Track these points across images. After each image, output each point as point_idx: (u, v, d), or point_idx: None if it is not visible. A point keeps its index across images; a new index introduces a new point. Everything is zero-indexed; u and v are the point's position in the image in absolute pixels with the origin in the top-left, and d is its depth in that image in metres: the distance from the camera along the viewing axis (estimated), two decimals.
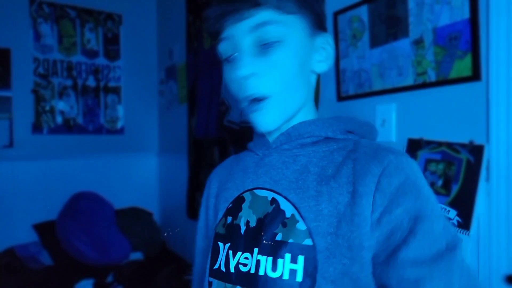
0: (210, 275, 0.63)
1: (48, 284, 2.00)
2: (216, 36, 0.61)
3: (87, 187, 2.61)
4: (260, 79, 0.57)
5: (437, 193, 1.04)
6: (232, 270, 0.58)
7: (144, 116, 3.08)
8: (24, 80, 2.60)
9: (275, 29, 0.56)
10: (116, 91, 2.95)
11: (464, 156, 0.98)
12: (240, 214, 0.62)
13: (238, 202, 0.63)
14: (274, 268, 0.54)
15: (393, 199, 0.51)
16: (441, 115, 1.06)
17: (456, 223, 0.98)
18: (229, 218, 0.63)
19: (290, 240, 0.54)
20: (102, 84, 2.89)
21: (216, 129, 2.18)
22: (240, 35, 0.57)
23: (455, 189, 1.00)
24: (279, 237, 0.55)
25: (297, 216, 0.55)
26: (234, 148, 2.03)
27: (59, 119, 2.73)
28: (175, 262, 2.39)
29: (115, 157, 2.90)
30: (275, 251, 0.55)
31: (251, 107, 0.58)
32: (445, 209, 1.01)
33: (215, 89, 2.19)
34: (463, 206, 0.97)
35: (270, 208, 0.58)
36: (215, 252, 0.63)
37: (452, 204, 1.00)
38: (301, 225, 0.54)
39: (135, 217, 2.60)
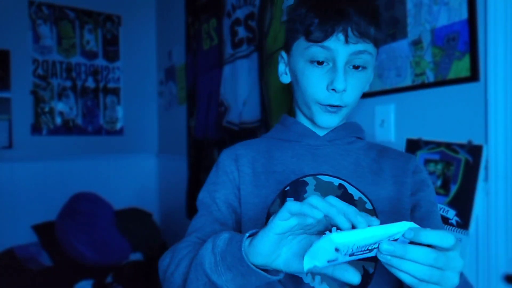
0: None
1: (48, 284, 2.00)
2: (301, 31, 0.68)
3: (86, 187, 2.61)
4: (346, 94, 0.68)
5: (436, 193, 1.04)
6: None
7: (144, 117, 3.08)
8: (24, 81, 2.60)
9: (368, 59, 0.68)
10: (115, 92, 2.95)
11: (462, 156, 0.99)
12: (305, 195, 0.69)
13: (298, 186, 0.70)
14: None
15: (420, 187, 0.74)
16: (439, 116, 1.07)
17: (455, 223, 0.99)
18: (290, 199, 0.68)
19: None
20: (101, 85, 2.89)
21: (215, 130, 2.19)
22: (342, 54, 0.66)
23: (453, 189, 1.00)
24: None
25: (364, 198, 0.69)
26: None
27: (58, 120, 2.73)
28: None
29: (115, 158, 2.90)
30: None
31: (328, 109, 0.70)
32: (444, 209, 1.01)
33: (214, 90, 2.19)
34: (462, 206, 0.98)
35: (339, 192, 0.69)
36: None
37: (451, 204, 1.00)
38: (369, 205, 0.69)
39: (134, 217, 2.60)
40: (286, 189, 0.70)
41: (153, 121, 3.12)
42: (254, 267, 0.51)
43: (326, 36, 0.64)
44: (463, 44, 0.99)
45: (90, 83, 2.85)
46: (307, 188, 0.69)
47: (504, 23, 0.91)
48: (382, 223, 0.64)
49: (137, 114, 3.04)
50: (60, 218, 2.35)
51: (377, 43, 0.70)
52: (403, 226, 0.46)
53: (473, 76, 0.97)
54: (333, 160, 0.73)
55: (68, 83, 2.76)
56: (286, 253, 0.52)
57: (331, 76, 0.66)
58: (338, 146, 0.75)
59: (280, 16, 1.63)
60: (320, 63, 0.67)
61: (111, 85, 2.93)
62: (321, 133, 0.77)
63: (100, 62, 2.88)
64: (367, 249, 0.47)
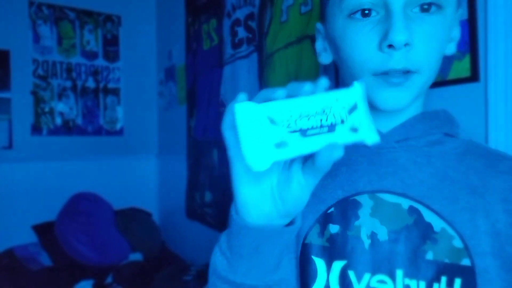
0: None
1: (48, 284, 2.00)
2: None
3: (86, 188, 2.61)
4: (413, 50, 0.45)
5: None
6: None
7: (144, 117, 3.08)
8: (24, 81, 2.60)
9: None
10: (115, 92, 2.95)
11: None
12: (357, 223, 0.49)
13: (347, 207, 0.50)
14: None
15: None
16: None
17: None
18: (335, 227, 0.50)
19: (446, 260, 0.46)
20: (101, 85, 2.89)
21: (215, 130, 2.19)
22: None
23: None
24: (429, 256, 0.46)
25: (451, 231, 0.46)
26: None
27: (58, 121, 2.73)
28: (174, 263, 2.39)
29: (115, 158, 2.90)
30: (428, 273, 0.45)
31: (389, 79, 0.46)
32: None
33: (214, 90, 2.19)
34: None
35: (410, 220, 0.48)
36: (307, 269, 0.50)
37: None
38: (457, 242, 0.46)
39: (134, 217, 2.60)
40: (329, 211, 0.51)
41: (153, 122, 3.12)
42: (256, 226, 0.40)
43: None
44: (463, 44, 0.98)
45: (90, 83, 2.85)
46: (360, 212, 0.49)
47: (504, 23, 0.91)
48: (479, 269, 0.45)
49: (137, 114, 3.04)
50: (60, 218, 2.35)
51: None
52: (352, 91, 0.35)
53: (473, 76, 0.97)
54: (403, 171, 0.50)
55: (68, 83, 2.76)
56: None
57: (383, 27, 0.44)
58: (412, 149, 0.51)
59: (280, 16, 1.63)
60: (366, 14, 0.45)
61: (111, 85, 2.93)
62: (384, 127, 0.52)
63: (100, 62, 2.88)
64: (320, 124, 0.34)
